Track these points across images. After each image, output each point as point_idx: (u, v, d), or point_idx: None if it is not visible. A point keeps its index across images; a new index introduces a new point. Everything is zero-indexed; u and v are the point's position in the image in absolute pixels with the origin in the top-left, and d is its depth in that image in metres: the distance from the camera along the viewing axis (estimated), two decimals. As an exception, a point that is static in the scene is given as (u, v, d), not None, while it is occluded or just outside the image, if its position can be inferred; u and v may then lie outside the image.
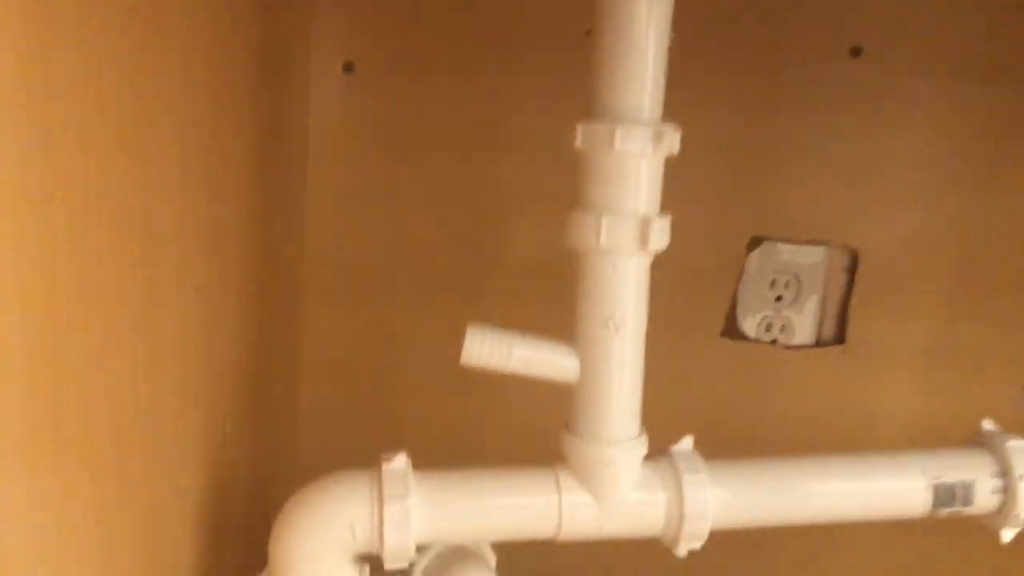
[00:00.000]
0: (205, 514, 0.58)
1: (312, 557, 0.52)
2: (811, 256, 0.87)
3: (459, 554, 0.61)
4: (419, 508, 0.53)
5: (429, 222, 0.85)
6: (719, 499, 0.55)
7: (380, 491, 0.52)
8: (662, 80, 0.51)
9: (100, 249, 0.40)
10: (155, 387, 0.49)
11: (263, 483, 0.72)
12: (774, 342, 0.89)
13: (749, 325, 0.89)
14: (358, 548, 0.53)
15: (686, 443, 0.57)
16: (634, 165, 0.50)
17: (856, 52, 0.82)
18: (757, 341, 0.89)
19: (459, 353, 0.87)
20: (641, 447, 0.55)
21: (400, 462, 0.54)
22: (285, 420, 0.81)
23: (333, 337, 0.87)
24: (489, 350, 0.53)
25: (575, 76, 0.83)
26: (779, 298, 0.88)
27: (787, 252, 0.87)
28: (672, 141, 0.51)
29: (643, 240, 0.51)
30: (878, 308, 0.88)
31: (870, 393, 0.89)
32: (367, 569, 0.55)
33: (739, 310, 0.88)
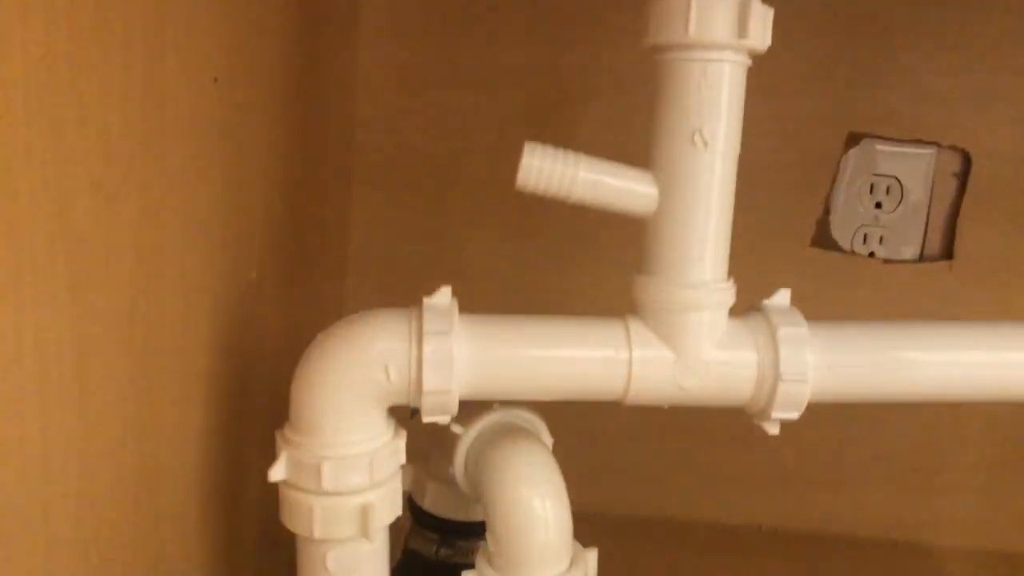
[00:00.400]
0: (219, 362, 0.51)
1: (340, 402, 0.45)
2: (917, 158, 0.77)
3: (512, 431, 0.53)
4: (464, 350, 0.45)
5: (491, 105, 0.77)
6: (822, 362, 0.46)
7: (420, 327, 0.45)
8: None
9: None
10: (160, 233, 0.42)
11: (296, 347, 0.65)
12: (872, 255, 0.79)
13: (844, 235, 0.79)
14: (393, 395, 0.45)
15: (782, 296, 0.48)
16: (732, -61, 0.42)
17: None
18: (852, 253, 0.79)
19: (519, 254, 0.80)
20: (730, 293, 0.47)
21: (444, 297, 0.46)
22: (329, 306, 0.74)
23: (382, 230, 0.80)
24: (550, 170, 0.45)
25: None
26: (879, 205, 0.78)
27: (889, 153, 0.77)
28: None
29: (742, 28, 0.42)
30: (991, 219, 0.77)
31: (981, 316, 0.78)
32: (400, 431, 0.48)
33: (832, 217, 0.79)
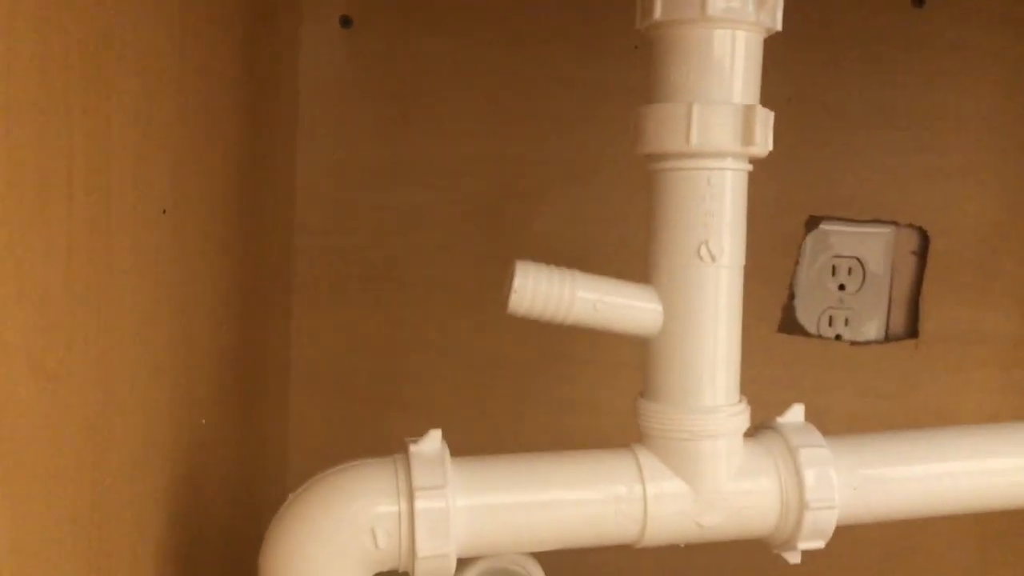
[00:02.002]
0: (172, 524, 0.44)
1: (320, 574, 0.39)
2: (876, 238, 0.76)
3: (504, 574, 0.47)
4: (461, 505, 0.40)
5: (438, 200, 0.73)
6: (847, 483, 0.43)
7: (409, 482, 0.39)
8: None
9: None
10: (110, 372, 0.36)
11: (247, 496, 0.58)
12: (839, 337, 0.77)
13: (809, 319, 0.77)
14: (381, 562, 0.39)
15: (796, 412, 0.45)
16: (730, 39, 0.39)
17: (919, 1, 0.73)
18: (819, 337, 0.77)
19: (473, 354, 0.75)
20: (746, 416, 0.43)
21: (433, 442, 0.41)
22: (274, 431, 0.68)
23: (324, 337, 0.74)
24: (546, 292, 0.40)
25: (600, 20, 0.74)
26: (842, 287, 0.77)
27: (848, 234, 0.76)
28: (776, 7, 0.40)
29: (747, 135, 0.39)
30: (954, 296, 0.76)
31: (948, 393, 0.77)
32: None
33: (797, 302, 0.76)
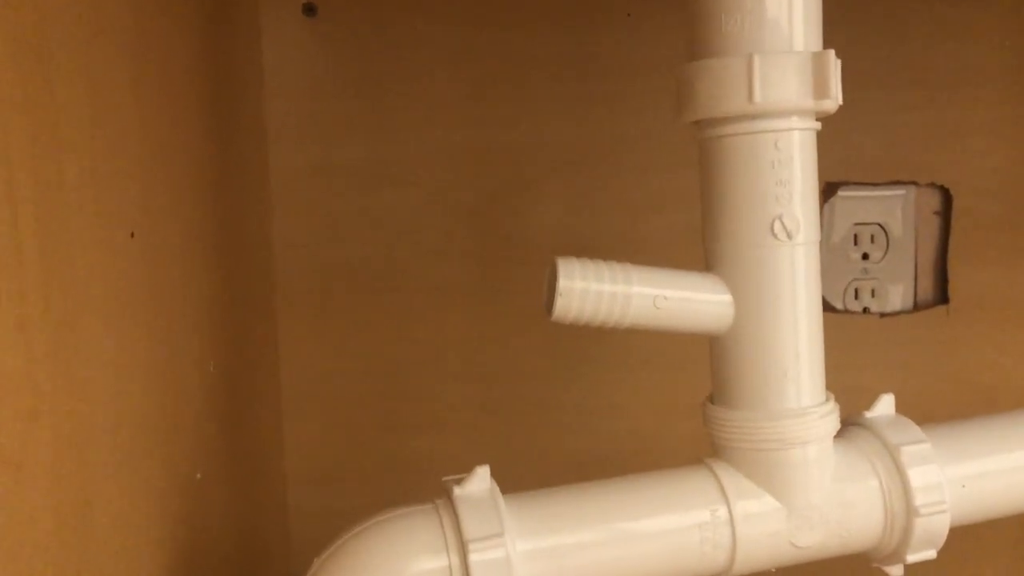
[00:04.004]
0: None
1: (361, 653, 0.32)
2: (896, 201, 0.71)
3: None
4: (520, 552, 0.33)
5: (426, 199, 0.66)
6: (954, 479, 0.37)
7: (459, 532, 0.33)
8: None
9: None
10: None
11: (248, 542, 0.51)
12: (866, 311, 0.72)
13: (834, 294, 0.72)
14: (431, 628, 0.33)
15: (886, 404, 0.39)
16: (791, -20, 0.33)
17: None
18: (846, 312, 0.72)
19: (475, 364, 0.68)
20: (836, 416, 0.37)
21: (482, 482, 0.35)
22: (270, 464, 0.60)
23: (315, 355, 0.67)
24: (596, 293, 0.34)
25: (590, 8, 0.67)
26: (865, 256, 0.72)
27: (868, 198, 0.71)
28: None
29: (819, 87, 0.33)
30: (982, 257, 0.72)
31: (986, 360, 0.72)
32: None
33: (821, 276, 0.71)
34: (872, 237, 0.71)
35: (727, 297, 0.35)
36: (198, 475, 0.40)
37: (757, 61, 0.33)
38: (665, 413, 0.67)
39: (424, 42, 0.65)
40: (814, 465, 0.36)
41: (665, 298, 0.35)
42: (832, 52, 0.34)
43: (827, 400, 0.37)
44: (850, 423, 0.39)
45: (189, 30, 0.43)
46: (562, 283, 0.34)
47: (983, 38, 0.68)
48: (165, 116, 0.39)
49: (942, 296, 0.72)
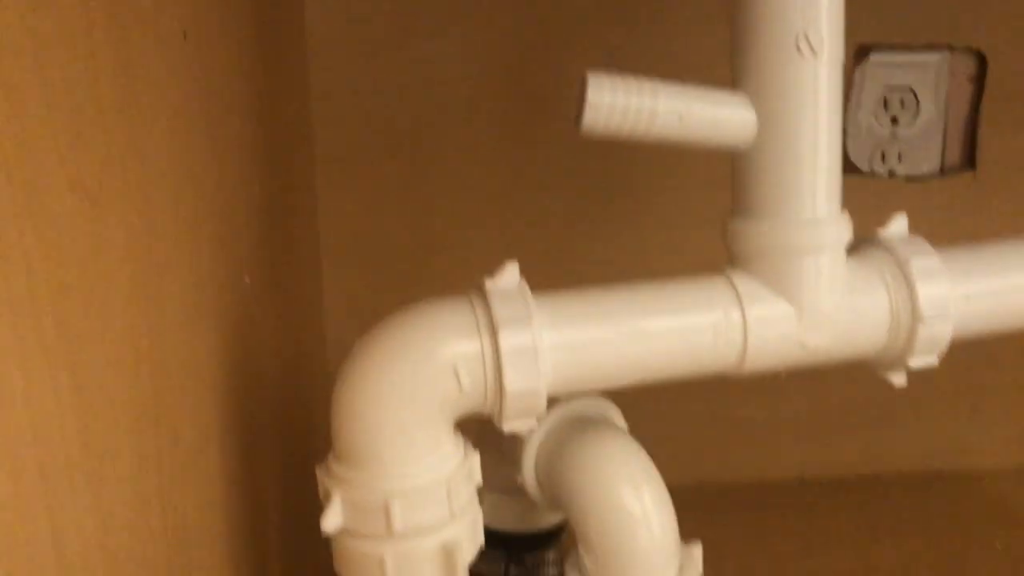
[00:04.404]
0: (227, 372, 0.40)
1: (402, 421, 0.35)
2: (929, 66, 0.71)
3: (588, 422, 0.45)
4: (547, 339, 0.36)
5: (462, 59, 0.68)
6: (959, 294, 0.39)
7: (491, 317, 0.36)
8: None
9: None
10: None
11: (293, 352, 0.55)
12: (892, 174, 0.73)
13: (860, 156, 0.73)
14: (465, 405, 0.36)
15: (899, 224, 0.41)
16: None
17: None
18: (872, 175, 0.73)
19: (503, 218, 0.71)
20: (849, 227, 0.39)
21: (512, 276, 0.37)
22: (309, 296, 0.64)
23: (352, 212, 0.69)
24: (624, 105, 0.36)
25: None
26: (894, 120, 0.72)
27: (900, 62, 0.71)
28: None
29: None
30: (1013, 124, 0.72)
31: (1009, 226, 0.73)
32: (470, 447, 0.39)
33: (848, 139, 0.72)
34: (902, 101, 0.72)
35: (750, 112, 0.37)
36: (246, 279, 0.43)
37: None
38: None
39: None
40: (825, 272, 0.38)
41: (691, 113, 0.37)
42: None
43: (841, 212, 0.39)
44: (867, 241, 0.41)
45: None
46: (591, 95, 0.36)
47: None
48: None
49: (970, 162, 0.73)
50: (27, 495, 0.23)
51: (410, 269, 0.71)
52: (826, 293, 0.38)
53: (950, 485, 0.76)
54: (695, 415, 0.75)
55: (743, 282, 0.38)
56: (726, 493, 0.74)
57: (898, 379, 0.40)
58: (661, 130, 0.37)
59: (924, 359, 0.39)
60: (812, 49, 0.36)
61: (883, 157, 0.73)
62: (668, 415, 0.73)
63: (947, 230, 0.72)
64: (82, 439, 0.26)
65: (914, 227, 0.72)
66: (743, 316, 0.38)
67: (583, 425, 0.44)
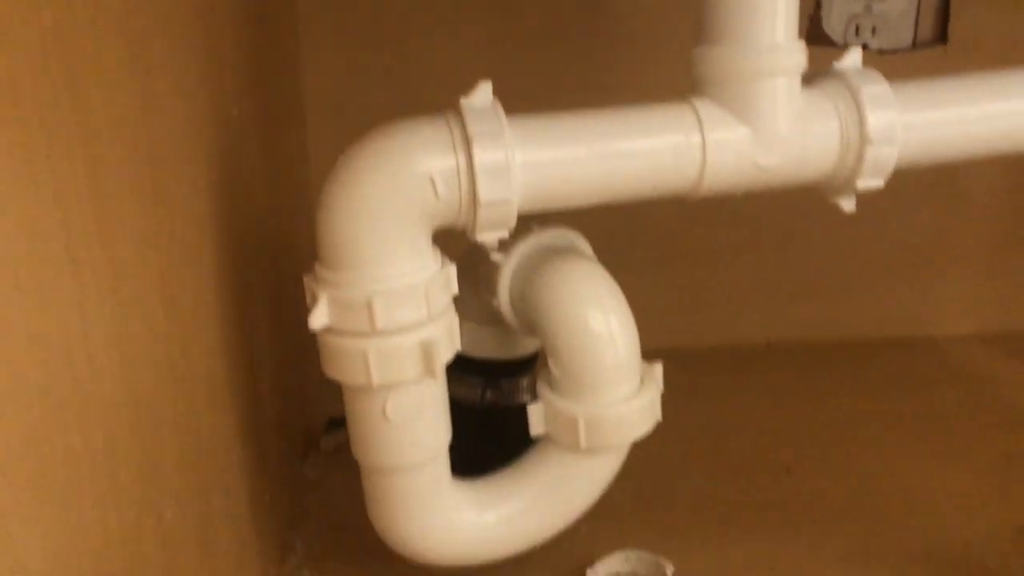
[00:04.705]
0: (218, 192, 0.43)
1: (383, 227, 0.38)
2: (905, -64, 0.72)
3: (558, 251, 0.48)
4: (518, 155, 0.39)
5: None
6: (905, 122, 0.42)
7: (465, 131, 0.38)
8: None
9: None
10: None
11: (277, 189, 0.57)
12: (865, 47, 0.75)
13: (835, 27, 0.74)
14: (441, 214, 0.39)
15: (854, 57, 0.43)
16: None
17: None
18: (845, 47, 0.74)
19: (489, 74, 0.72)
20: (804, 55, 0.41)
21: (484, 95, 0.40)
22: (295, 145, 0.66)
23: (334, 65, 0.70)
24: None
25: None
26: (869, -8, 0.74)
27: (877, -67, 0.72)
28: None
29: None
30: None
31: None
32: (447, 260, 0.42)
33: (823, 11, 0.74)
34: (878, -27, 0.73)
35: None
36: (234, 111, 0.45)
37: None
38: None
39: None
40: (781, 96, 0.41)
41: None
42: None
43: (798, 39, 0.41)
44: (823, 73, 0.43)
45: None
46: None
47: None
48: None
49: (942, 35, 0.75)
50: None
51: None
52: (782, 116, 0.41)
53: (907, 349, 0.79)
54: (669, 286, 0.78)
55: (704, 106, 0.41)
56: (699, 357, 0.78)
57: (847, 204, 0.43)
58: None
59: (871, 181, 0.42)
60: None
61: (857, 31, 0.74)
62: (642, 286, 0.76)
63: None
64: (107, 255, 0.29)
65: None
66: (703, 138, 0.40)
67: (554, 253, 0.47)
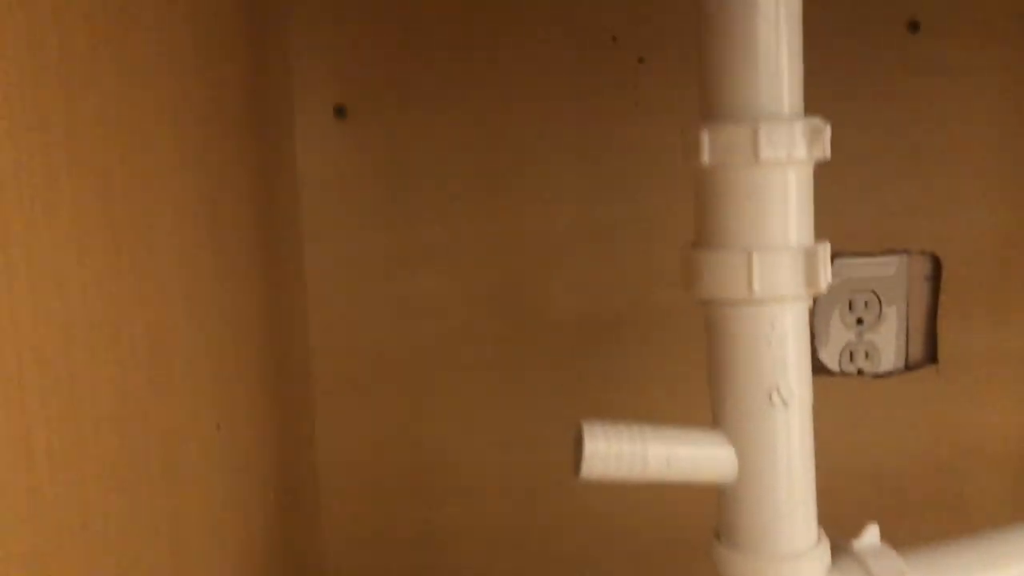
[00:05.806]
0: None
1: None
2: (888, 268, 0.76)
3: None
4: None
5: (450, 286, 0.71)
6: (930, 603, 0.42)
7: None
8: (800, 61, 0.39)
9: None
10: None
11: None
12: (860, 372, 0.76)
13: (830, 356, 0.76)
14: None
15: (872, 535, 0.44)
16: (783, 180, 0.37)
17: (914, 27, 0.72)
18: (841, 374, 0.76)
19: (500, 437, 0.73)
20: (827, 555, 0.42)
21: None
22: (310, 536, 0.65)
23: (351, 437, 0.71)
24: (617, 456, 0.39)
25: (598, 94, 0.71)
26: (859, 321, 0.76)
27: (862, 267, 0.75)
28: (826, 139, 0.38)
29: (810, 279, 0.38)
30: (970, 319, 0.76)
31: (973, 415, 0.77)
32: None
33: (818, 342, 0.76)
34: (866, 303, 0.76)
35: (731, 453, 0.40)
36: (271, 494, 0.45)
37: (756, 258, 0.37)
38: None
39: (444, 132, 0.69)
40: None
41: (677, 457, 0.39)
42: (819, 245, 0.38)
43: (819, 541, 0.41)
44: (842, 551, 0.43)
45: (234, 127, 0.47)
46: (587, 448, 0.39)
47: (966, 110, 0.72)
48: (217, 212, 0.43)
49: (932, 356, 0.77)
50: None
51: (411, 485, 0.73)
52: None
53: None
54: None
55: (732, 610, 0.41)
56: None
57: None
58: (653, 473, 0.40)
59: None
60: (784, 401, 0.39)
61: (851, 357, 0.76)
62: None
63: (913, 423, 0.77)
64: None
65: (882, 422, 0.76)
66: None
67: None
